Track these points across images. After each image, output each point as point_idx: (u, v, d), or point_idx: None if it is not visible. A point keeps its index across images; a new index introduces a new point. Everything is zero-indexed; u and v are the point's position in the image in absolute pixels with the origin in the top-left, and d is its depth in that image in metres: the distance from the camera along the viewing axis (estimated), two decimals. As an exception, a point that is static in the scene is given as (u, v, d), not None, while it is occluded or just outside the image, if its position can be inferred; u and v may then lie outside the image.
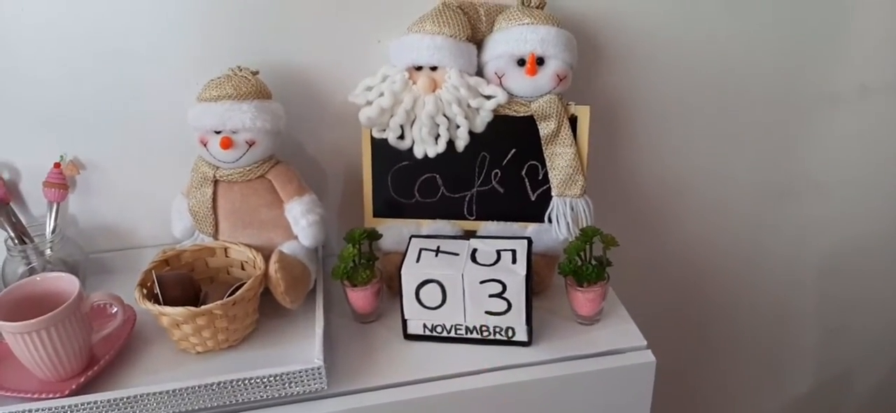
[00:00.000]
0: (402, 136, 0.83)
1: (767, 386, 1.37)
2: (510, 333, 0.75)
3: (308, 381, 0.69)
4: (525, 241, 0.78)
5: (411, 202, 0.87)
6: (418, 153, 0.83)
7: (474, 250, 0.77)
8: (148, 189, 0.89)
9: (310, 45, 0.85)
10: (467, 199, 0.86)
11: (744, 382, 1.35)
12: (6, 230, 0.84)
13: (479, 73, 0.83)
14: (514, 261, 0.74)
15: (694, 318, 1.22)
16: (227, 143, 0.76)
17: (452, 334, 0.76)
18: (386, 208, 0.87)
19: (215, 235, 0.82)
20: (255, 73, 0.80)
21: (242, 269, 0.81)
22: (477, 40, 0.83)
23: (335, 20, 0.85)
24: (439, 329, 0.76)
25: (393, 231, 0.85)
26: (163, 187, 0.87)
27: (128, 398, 0.66)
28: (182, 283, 0.75)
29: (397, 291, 0.81)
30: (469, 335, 0.76)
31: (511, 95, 0.81)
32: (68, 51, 0.82)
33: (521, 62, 0.80)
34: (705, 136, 1.04)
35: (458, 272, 0.73)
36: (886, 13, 1.01)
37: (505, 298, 0.73)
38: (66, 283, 0.72)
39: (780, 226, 1.16)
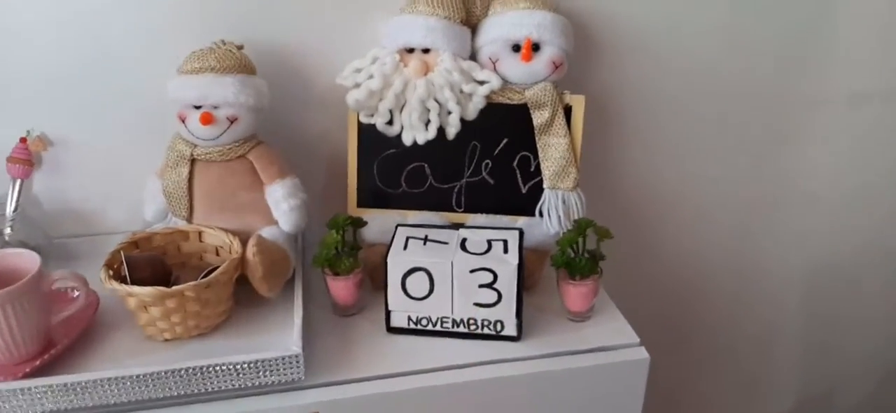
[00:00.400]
0: (390, 122, 0.80)
1: (750, 401, 1.35)
2: (499, 327, 0.72)
3: (285, 369, 0.64)
4: (517, 232, 0.75)
5: (397, 192, 0.84)
6: (407, 140, 0.80)
7: (464, 239, 0.73)
8: (119, 171, 0.85)
9: (296, 22, 0.82)
10: (456, 190, 0.83)
11: (726, 396, 1.32)
12: (-38, 207, 0.78)
13: (473, 58, 0.80)
14: (505, 250, 0.71)
15: (678, 329, 1.20)
16: (207, 119, 0.72)
17: (438, 328, 0.73)
18: (371, 198, 0.84)
19: (189, 219, 0.77)
20: (239, 48, 0.76)
21: (217, 254, 0.77)
22: (471, 24, 0.81)
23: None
24: (424, 322, 0.73)
25: (378, 221, 0.82)
26: (135, 170, 0.82)
27: (86, 383, 0.61)
28: (152, 265, 0.71)
29: (380, 284, 0.77)
30: (456, 329, 0.72)
31: (505, 82, 0.79)
32: (40, 20, 0.77)
33: (517, 48, 0.78)
34: (695, 140, 1.03)
35: (447, 260, 0.69)
36: (876, 23, 1.01)
37: (495, 289, 0.70)
38: (27, 260, 0.66)
39: (768, 236, 1.15)
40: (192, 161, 0.75)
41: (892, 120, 1.10)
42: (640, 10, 0.91)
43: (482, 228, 0.76)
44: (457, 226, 0.81)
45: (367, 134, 0.82)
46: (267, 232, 0.75)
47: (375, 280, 0.80)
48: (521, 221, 0.81)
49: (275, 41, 0.82)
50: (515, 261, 0.69)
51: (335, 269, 0.74)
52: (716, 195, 1.09)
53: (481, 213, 0.83)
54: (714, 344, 1.24)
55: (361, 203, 0.84)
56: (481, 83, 0.78)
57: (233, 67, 0.73)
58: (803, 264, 1.19)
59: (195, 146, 0.75)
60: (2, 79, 0.79)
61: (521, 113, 0.80)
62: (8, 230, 0.80)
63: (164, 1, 0.79)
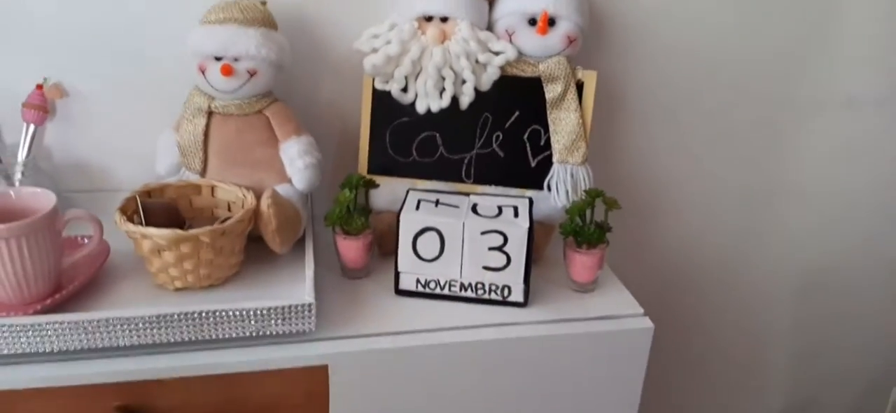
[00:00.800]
0: (405, 89, 0.81)
1: (741, 399, 1.36)
2: (506, 293, 0.73)
3: (296, 319, 0.65)
4: (527, 200, 0.76)
5: (408, 161, 0.84)
6: (421, 107, 0.81)
7: (475, 204, 0.75)
8: (130, 128, 0.85)
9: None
10: (466, 160, 0.84)
11: (717, 393, 1.34)
12: (-26, 151, 0.78)
13: (490, 29, 0.82)
14: (516, 215, 0.72)
15: (671, 318, 1.21)
16: (227, 70, 0.72)
17: (446, 292, 0.73)
18: (381, 166, 0.85)
19: (203, 173, 0.78)
20: (263, 3, 0.77)
21: (229, 210, 0.77)
22: (488, -2, 0.82)
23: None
24: (433, 285, 0.73)
25: (388, 189, 0.82)
26: (145, 128, 0.82)
27: (97, 322, 0.61)
28: (168, 213, 0.71)
29: (388, 250, 0.79)
30: (464, 293, 0.73)
31: (520, 53, 0.80)
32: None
33: (533, 21, 0.79)
34: (696, 132, 1.05)
35: (458, 221, 0.70)
36: (875, 28, 1.04)
37: (505, 252, 0.71)
38: (42, 199, 0.67)
39: (762, 231, 1.17)
40: (209, 114, 0.76)
41: (886, 124, 1.12)
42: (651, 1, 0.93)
43: (493, 195, 0.77)
44: (466, 194, 0.82)
45: (381, 101, 0.82)
46: (280, 189, 0.76)
47: (383, 247, 0.81)
48: (529, 194, 0.82)
49: (294, 2, 0.83)
50: (526, 224, 0.70)
51: (346, 228, 0.75)
52: (713, 188, 1.10)
53: (490, 184, 0.84)
54: (706, 338, 1.25)
55: (372, 170, 0.85)
56: (497, 54, 0.80)
57: (256, 20, 0.74)
58: (796, 263, 1.21)
59: (213, 99, 0.76)
60: (21, 27, 0.80)
61: (533, 87, 0.82)
62: (18, 176, 0.80)
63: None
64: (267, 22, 0.76)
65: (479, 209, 0.73)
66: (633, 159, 1.04)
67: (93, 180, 0.87)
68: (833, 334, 1.32)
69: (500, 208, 0.74)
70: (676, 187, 1.08)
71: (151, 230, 0.65)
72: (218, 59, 0.74)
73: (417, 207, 0.73)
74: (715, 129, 1.05)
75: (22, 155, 0.80)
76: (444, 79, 0.80)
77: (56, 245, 0.66)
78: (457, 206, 0.74)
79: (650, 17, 0.94)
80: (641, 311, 0.74)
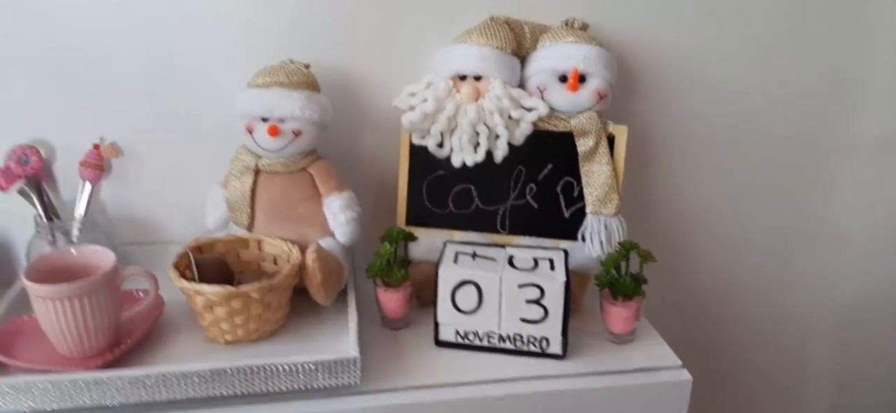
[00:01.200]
0: (440, 144, 0.84)
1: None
2: (544, 345, 0.74)
3: (342, 373, 0.67)
4: (562, 252, 0.78)
5: (445, 212, 0.87)
6: (456, 161, 0.84)
7: (511, 257, 0.77)
8: (181, 182, 0.89)
9: (356, 48, 0.88)
10: (501, 212, 0.87)
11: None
12: (35, 207, 0.83)
13: (521, 86, 0.85)
14: (552, 268, 0.74)
15: (709, 357, 1.21)
16: (274, 131, 0.76)
17: (485, 343, 0.75)
18: (419, 217, 0.87)
19: (250, 227, 0.81)
20: (306, 66, 0.81)
21: (275, 263, 0.80)
22: (521, 55, 0.85)
23: (382, 27, 0.87)
24: (472, 336, 0.75)
25: (425, 239, 0.85)
26: (196, 182, 0.87)
27: (156, 377, 0.64)
28: (218, 268, 0.74)
29: (426, 300, 0.81)
30: (502, 345, 0.75)
31: (552, 109, 0.83)
32: (117, 35, 0.83)
33: (563, 78, 0.82)
34: (729, 176, 1.06)
35: (496, 274, 0.72)
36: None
37: (542, 305, 0.72)
38: (102, 256, 0.71)
39: (800, 271, 1.16)
40: (257, 172, 0.80)
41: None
42: (679, 47, 0.95)
43: (528, 248, 0.79)
44: (502, 246, 0.84)
45: (418, 155, 0.86)
46: (323, 242, 0.79)
47: (421, 296, 0.83)
48: (563, 245, 0.84)
49: (334, 64, 0.87)
50: (563, 277, 0.72)
51: (388, 280, 0.77)
52: (748, 230, 1.11)
53: (525, 235, 0.86)
54: (746, 372, 1.24)
55: (410, 221, 0.87)
56: (529, 110, 0.82)
57: (300, 83, 0.78)
58: (834, 300, 1.21)
59: (260, 158, 0.80)
60: (79, 89, 0.85)
61: (565, 140, 0.84)
62: (76, 232, 0.84)
63: (233, 25, 0.85)
64: (310, 84, 0.80)
65: (515, 262, 0.75)
66: (665, 206, 1.05)
67: (146, 232, 0.91)
68: (872, 371, 1.30)
69: (536, 261, 0.76)
70: (710, 231, 1.09)
71: (204, 287, 0.68)
72: (264, 120, 0.78)
73: (455, 261, 0.75)
74: (749, 172, 1.06)
75: (79, 211, 0.84)
76: (478, 134, 0.82)
77: (116, 301, 0.69)
78: (494, 259, 0.76)
79: (682, 66, 0.96)
80: (679, 363, 0.75)
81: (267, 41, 0.85)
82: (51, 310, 0.65)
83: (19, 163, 0.82)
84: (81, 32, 0.82)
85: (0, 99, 0.83)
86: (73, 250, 0.71)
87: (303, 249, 0.76)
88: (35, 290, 0.64)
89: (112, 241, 0.88)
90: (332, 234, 0.81)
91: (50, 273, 0.68)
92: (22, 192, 0.83)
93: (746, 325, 1.18)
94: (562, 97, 0.82)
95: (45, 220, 0.82)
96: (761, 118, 1.03)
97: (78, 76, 0.84)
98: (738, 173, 1.06)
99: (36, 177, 0.84)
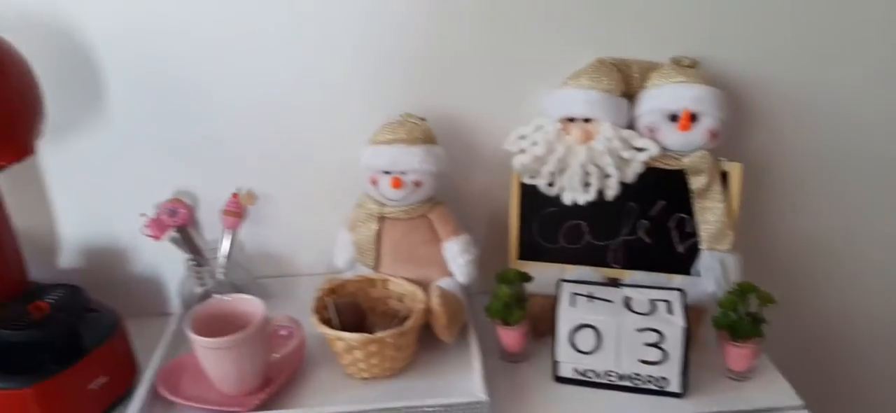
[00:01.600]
0: (551, 184, 0.87)
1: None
2: (663, 383, 0.76)
3: (472, 413, 0.72)
4: (678, 293, 0.79)
5: (556, 247, 0.90)
6: (567, 200, 0.86)
7: (628, 298, 0.79)
8: (309, 222, 0.97)
9: (467, 95, 0.92)
10: (612, 247, 0.89)
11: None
12: (187, 252, 0.93)
13: (631, 126, 0.86)
14: (670, 311, 0.76)
15: (826, 402, 1.17)
16: (397, 183, 0.82)
17: (604, 381, 0.78)
18: (530, 252, 0.91)
19: (376, 268, 0.88)
20: (422, 120, 0.86)
21: (400, 301, 0.87)
22: (629, 96, 0.87)
23: (492, 74, 0.91)
24: (590, 374, 0.78)
25: (536, 273, 0.88)
26: (323, 222, 0.95)
27: (311, 417, 0.72)
28: (353, 310, 0.81)
29: (541, 332, 0.85)
30: (621, 382, 0.78)
31: (663, 149, 0.84)
32: (255, 102, 0.91)
33: (674, 118, 0.83)
34: (845, 202, 1.03)
35: (614, 319, 0.75)
36: None
37: (661, 348, 0.74)
38: (252, 305, 0.79)
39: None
40: (381, 219, 0.86)
41: None
42: (792, 79, 0.93)
43: (642, 287, 0.81)
44: (612, 281, 0.86)
45: (529, 193, 0.89)
46: (444, 282, 0.84)
47: (537, 328, 0.87)
48: (677, 280, 0.86)
49: (447, 111, 0.92)
50: (682, 322, 0.73)
51: (507, 319, 0.82)
52: (870, 257, 1.07)
53: (637, 269, 0.88)
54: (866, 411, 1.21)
55: (522, 255, 0.91)
56: (640, 150, 0.84)
57: (419, 139, 0.84)
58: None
59: (384, 206, 0.86)
60: (217, 145, 0.94)
61: (677, 177, 0.85)
62: (220, 272, 0.94)
63: (351, 85, 0.91)
64: (427, 138, 0.85)
65: (632, 305, 0.77)
66: (782, 239, 1.04)
67: (280, 267, 1.00)
68: None
69: (653, 303, 0.77)
70: (829, 265, 1.07)
71: (346, 334, 0.75)
72: (387, 172, 0.84)
73: (573, 304, 0.78)
74: (866, 200, 1.03)
75: (223, 253, 0.94)
76: (588, 174, 0.85)
77: (267, 346, 0.78)
78: (610, 301, 0.78)
79: (793, 92, 0.94)
80: (800, 402, 0.75)
81: (384, 93, 0.91)
82: (212, 357, 0.74)
83: (169, 215, 0.92)
84: (220, 100, 0.91)
85: (149, 158, 0.93)
86: (227, 299, 0.80)
87: (424, 288, 0.82)
88: (201, 342, 0.73)
89: (251, 275, 0.97)
90: (450, 274, 0.86)
91: (209, 321, 0.76)
92: (173, 240, 0.93)
93: (869, 364, 1.15)
94: (673, 137, 0.83)
95: (196, 264, 0.92)
96: (877, 138, 0.99)
97: (214, 137, 0.93)
98: (857, 206, 1.03)
99: (185, 224, 0.93)
